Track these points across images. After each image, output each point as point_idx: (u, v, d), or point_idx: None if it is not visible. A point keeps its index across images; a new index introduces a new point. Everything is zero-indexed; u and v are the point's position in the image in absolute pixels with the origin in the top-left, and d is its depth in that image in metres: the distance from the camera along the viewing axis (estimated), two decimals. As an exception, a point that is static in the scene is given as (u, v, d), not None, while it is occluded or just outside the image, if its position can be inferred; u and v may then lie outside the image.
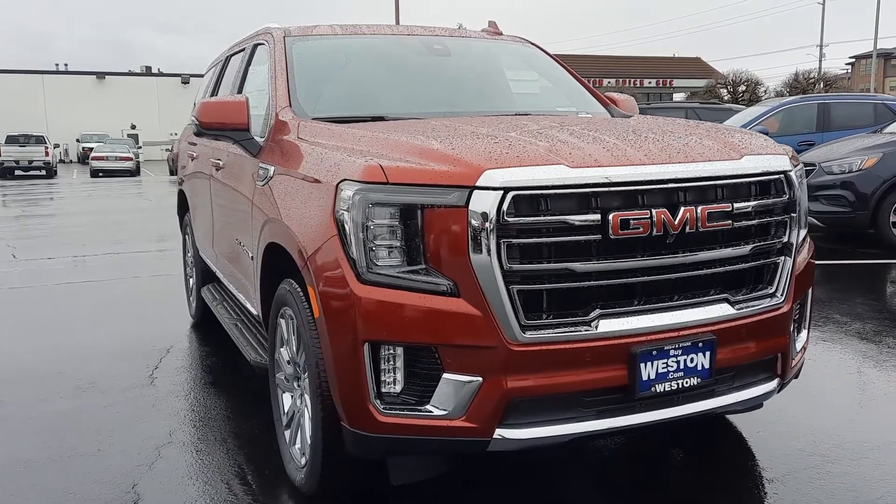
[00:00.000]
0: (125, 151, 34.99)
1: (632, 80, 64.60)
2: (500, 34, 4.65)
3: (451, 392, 2.47)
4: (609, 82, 62.31)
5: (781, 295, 2.84)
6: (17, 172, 32.35)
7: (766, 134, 10.85)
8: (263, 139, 3.55)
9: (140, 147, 46.44)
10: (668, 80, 66.13)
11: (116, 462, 3.38)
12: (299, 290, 2.86)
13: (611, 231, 2.45)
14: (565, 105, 4.05)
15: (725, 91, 58.15)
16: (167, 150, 40.30)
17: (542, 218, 2.42)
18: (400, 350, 2.49)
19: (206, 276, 5.38)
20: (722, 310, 2.69)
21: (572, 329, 2.48)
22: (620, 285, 2.55)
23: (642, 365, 2.54)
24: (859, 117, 11.23)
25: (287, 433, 3.18)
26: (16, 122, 42.57)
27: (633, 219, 2.48)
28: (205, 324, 5.65)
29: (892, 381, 4.32)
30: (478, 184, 2.40)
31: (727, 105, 15.47)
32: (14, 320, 6.29)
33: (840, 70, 78.25)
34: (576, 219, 2.44)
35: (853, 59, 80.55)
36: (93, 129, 50.08)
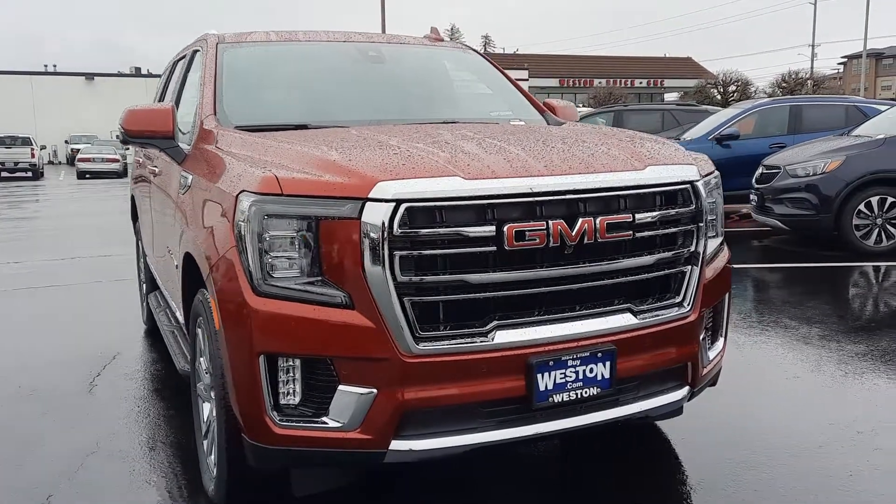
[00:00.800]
0: (112, 153, 34.87)
1: (623, 80, 64.81)
2: (441, 40, 4.66)
3: (346, 404, 2.47)
4: (600, 82, 62.53)
5: (688, 304, 2.85)
6: (3, 174, 32.23)
7: (737, 137, 10.98)
8: (189, 147, 3.55)
9: (128, 149, 46.22)
10: (660, 80, 66.34)
11: (37, 471, 3.38)
12: (209, 300, 2.87)
13: (506, 243, 2.46)
14: (500, 112, 4.06)
15: (716, 91, 58.35)
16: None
17: (435, 230, 2.43)
18: (296, 362, 2.50)
19: (152, 282, 5.38)
20: (624, 320, 2.71)
21: (468, 340, 2.49)
22: (518, 296, 2.56)
23: (539, 375, 2.55)
24: (830, 120, 11.24)
25: (205, 443, 3.18)
26: (3, 124, 42.42)
27: (529, 230, 2.49)
28: (156, 331, 5.64)
29: (826, 387, 4.34)
30: (370, 195, 2.40)
31: (703, 107, 15.46)
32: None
33: (831, 70, 78.63)
34: (470, 231, 2.44)
35: (845, 59, 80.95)
36: (82, 130, 49.88)
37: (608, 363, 2.65)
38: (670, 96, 63.11)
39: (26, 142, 33.28)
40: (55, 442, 3.72)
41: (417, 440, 2.52)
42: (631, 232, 2.66)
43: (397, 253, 2.40)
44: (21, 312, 6.71)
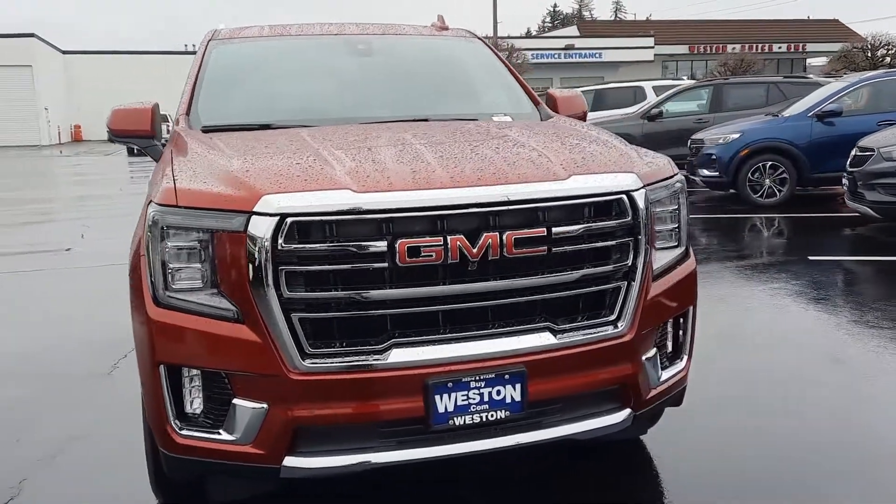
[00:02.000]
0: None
1: (759, 45, 61.09)
2: (446, 29, 4.52)
3: (240, 418, 2.46)
4: (733, 48, 59.24)
5: (624, 323, 2.65)
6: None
7: (839, 113, 10.19)
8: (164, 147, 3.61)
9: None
10: (801, 45, 62.04)
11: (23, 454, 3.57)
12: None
13: (398, 259, 2.36)
14: (485, 106, 3.89)
15: (862, 55, 54.05)
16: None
17: (323, 245, 2.36)
18: (195, 373, 2.51)
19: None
20: (539, 339, 2.55)
21: (361, 359, 2.42)
22: (418, 314, 2.46)
23: (437, 397, 2.44)
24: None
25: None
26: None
27: (424, 246, 2.37)
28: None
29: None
30: (255, 209, 2.36)
31: (812, 79, 14.36)
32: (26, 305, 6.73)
33: None
34: (360, 246, 2.36)
35: None
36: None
37: (518, 385, 2.51)
38: (815, 62, 59.07)
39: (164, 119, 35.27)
40: (48, 422, 3.93)
41: (312, 457, 2.48)
42: (546, 247, 2.49)
43: (283, 268, 2.35)
44: (90, 289, 7.13)
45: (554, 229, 2.50)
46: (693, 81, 16.69)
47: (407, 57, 4.19)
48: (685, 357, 3.00)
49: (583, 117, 4.14)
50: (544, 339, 2.55)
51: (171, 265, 2.47)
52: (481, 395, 2.48)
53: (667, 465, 3.38)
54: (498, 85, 4.12)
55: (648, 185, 2.72)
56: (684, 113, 14.00)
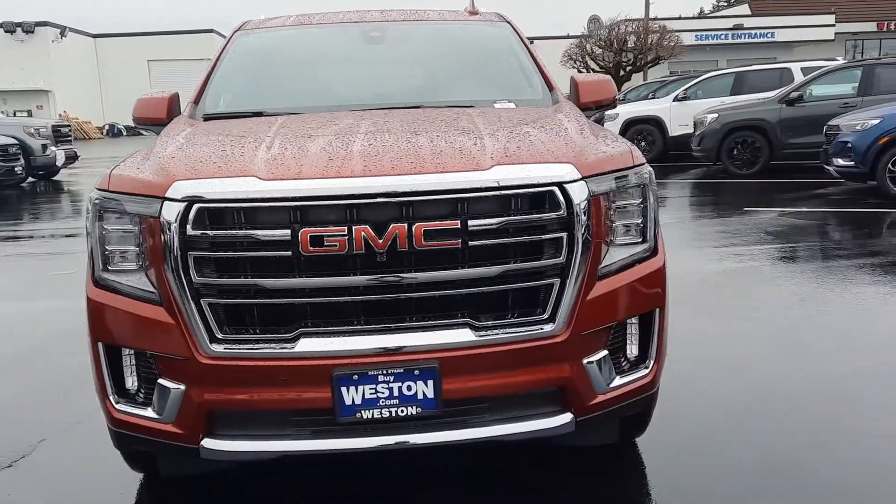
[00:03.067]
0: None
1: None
2: (476, 13, 4.40)
3: (163, 397, 2.55)
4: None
5: (558, 322, 2.49)
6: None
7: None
8: None
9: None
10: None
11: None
12: None
13: (301, 248, 2.34)
14: (491, 92, 3.75)
15: None
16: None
17: (229, 232, 2.39)
18: (127, 352, 2.61)
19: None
20: (456, 335, 2.45)
21: (270, 346, 2.43)
22: (326, 304, 2.43)
23: (344, 389, 2.41)
24: None
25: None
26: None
27: (328, 235, 2.34)
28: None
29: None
30: (167, 195, 2.43)
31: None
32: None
33: None
34: (264, 234, 2.37)
35: None
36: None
37: (430, 382, 2.42)
38: None
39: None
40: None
41: (229, 440, 2.53)
42: (460, 240, 2.38)
43: (192, 253, 2.40)
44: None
45: (470, 222, 2.39)
46: (842, 62, 15.27)
47: (420, 44, 4.13)
48: (651, 364, 2.77)
49: (609, 103, 3.93)
50: (462, 335, 2.45)
51: (106, 247, 2.59)
52: (390, 389, 2.42)
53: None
54: (512, 71, 3.97)
55: (592, 175, 2.53)
56: (829, 97, 12.92)
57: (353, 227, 2.34)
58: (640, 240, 2.70)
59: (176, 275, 2.40)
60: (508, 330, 2.48)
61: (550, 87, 3.82)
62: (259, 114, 3.44)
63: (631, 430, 3.14)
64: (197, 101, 3.71)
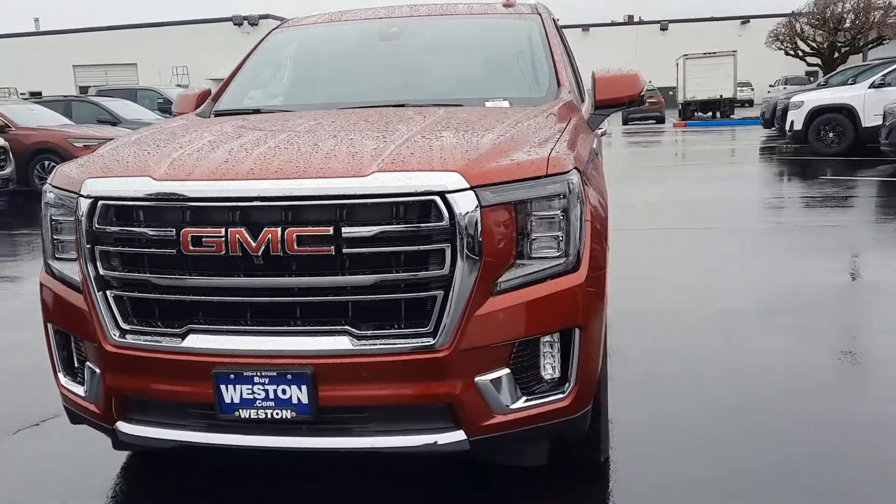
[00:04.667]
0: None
1: None
2: (511, 5, 4.24)
3: (87, 377, 2.74)
4: None
5: (440, 336, 2.39)
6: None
7: None
8: None
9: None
10: None
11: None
12: None
13: (182, 247, 2.43)
14: (488, 90, 3.60)
15: None
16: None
17: (126, 228, 2.52)
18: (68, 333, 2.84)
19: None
20: (333, 342, 2.42)
21: (160, 339, 2.54)
22: (212, 303, 2.49)
23: (223, 387, 2.47)
24: None
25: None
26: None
27: (206, 236, 2.41)
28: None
29: None
30: (80, 192, 2.59)
31: None
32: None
33: None
34: (153, 232, 2.47)
35: None
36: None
37: (304, 387, 2.42)
38: None
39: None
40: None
41: (139, 426, 2.66)
42: (333, 247, 2.35)
43: (97, 248, 2.56)
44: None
45: (344, 229, 2.34)
46: None
47: (434, 41, 4.05)
48: (570, 387, 2.57)
49: (630, 100, 3.66)
50: (339, 342, 2.42)
51: (53, 237, 2.81)
52: (266, 391, 2.44)
53: None
54: (521, 67, 3.80)
55: (487, 185, 2.39)
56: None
57: (229, 230, 2.38)
58: (558, 254, 2.51)
59: (86, 267, 2.57)
60: (388, 341, 2.41)
61: (560, 84, 3.62)
62: (257, 111, 3.57)
63: (564, 454, 2.94)
64: (216, 97, 3.91)
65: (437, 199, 2.33)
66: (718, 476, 3.04)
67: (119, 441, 2.72)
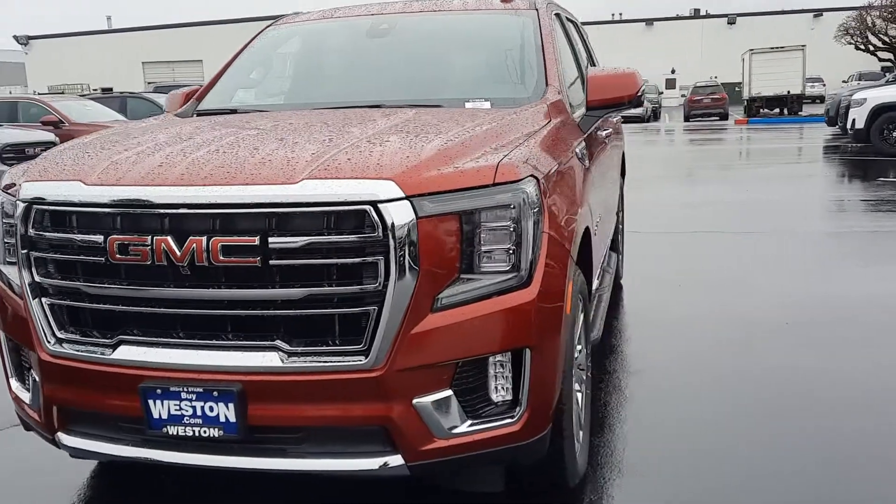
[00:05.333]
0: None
1: None
2: (509, 1, 4.03)
3: (31, 385, 2.67)
4: None
5: (374, 355, 2.24)
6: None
7: None
8: None
9: (661, 93, 47.37)
10: None
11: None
12: None
13: (109, 255, 2.33)
14: (470, 91, 3.42)
15: None
16: (682, 94, 40.44)
17: (58, 234, 2.44)
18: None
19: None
20: (262, 359, 2.29)
21: (93, 350, 2.45)
22: (142, 314, 2.39)
23: (151, 402, 2.36)
24: None
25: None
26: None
27: (132, 245, 2.31)
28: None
29: None
30: (20, 196, 2.52)
31: None
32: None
33: None
34: (82, 239, 2.39)
35: None
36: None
37: (231, 405, 2.29)
38: None
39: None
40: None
41: (77, 437, 2.58)
42: (259, 258, 2.21)
43: (32, 253, 2.48)
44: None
45: (271, 239, 2.21)
46: None
47: (422, 39, 3.88)
48: (521, 411, 2.39)
49: (627, 100, 3.44)
50: (269, 359, 2.29)
51: (3, 241, 2.74)
52: (194, 408, 2.33)
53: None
54: (509, 66, 3.60)
55: (426, 194, 2.22)
56: None
57: (155, 238, 2.27)
58: (507, 268, 2.33)
59: (22, 273, 2.50)
60: (320, 359, 2.27)
61: (548, 82, 3.41)
62: (233, 111, 3.48)
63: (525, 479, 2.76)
64: (201, 96, 3.82)
65: (369, 208, 2.18)
66: None
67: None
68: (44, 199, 2.45)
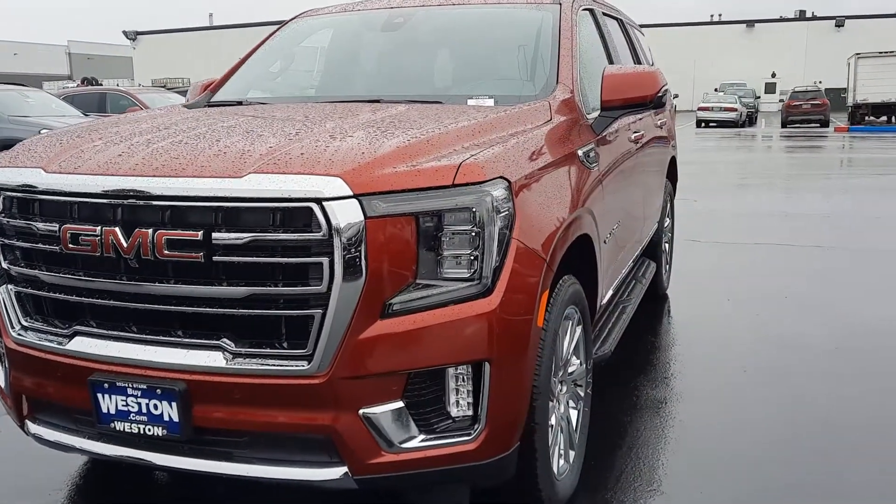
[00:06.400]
0: (732, 101, 34.95)
1: None
2: (534, -4, 3.84)
3: (3, 371, 2.67)
4: None
5: (318, 361, 2.12)
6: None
7: None
8: None
9: (759, 97, 45.54)
10: None
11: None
12: None
13: (62, 244, 2.29)
14: (475, 87, 3.26)
15: None
16: (781, 99, 38.79)
17: (22, 222, 2.42)
18: None
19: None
20: (206, 358, 2.20)
21: (50, 339, 2.42)
22: (94, 305, 2.35)
23: (99, 396, 2.31)
24: None
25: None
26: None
27: (82, 234, 2.26)
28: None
29: None
30: None
31: None
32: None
33: None
34: (40, 227, 2.36)
35: None
36: (736, 78, 50.48)
37: (174, 404, 2.22)
38: None
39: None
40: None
41: (42, 427, 2.56)
42: (202, 253, 2.13)
43: (1, 240, 2.47)
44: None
45: (215, 235, 2.12)
46: None
47: (439, 32, 3.72)
48: (479, 428, 2.22)
49: (645, 101, 3.22)
50: (212, 359, 2.20)
51: None
52: (139, 405, 2.26)
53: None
54: (520, 62, 3.41)
55: (376, 193, 2.08)
56: None
57: (104, 229, 2.22)
58: (468, 275, 2.17)
59: None
60: (263, 361, 2.16)
61: (559, 80, 3.21)
62: (239, 103, 3.43)
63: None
64: (216, 88, 3.80)
65: (315, 206, 2.06)
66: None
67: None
68: (7, 185, 2.44)
